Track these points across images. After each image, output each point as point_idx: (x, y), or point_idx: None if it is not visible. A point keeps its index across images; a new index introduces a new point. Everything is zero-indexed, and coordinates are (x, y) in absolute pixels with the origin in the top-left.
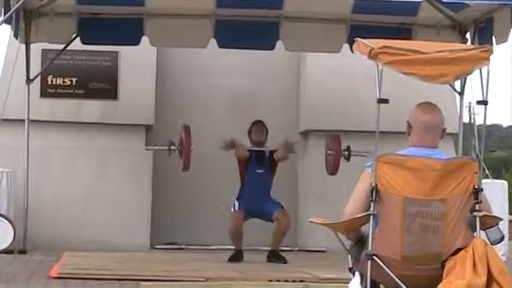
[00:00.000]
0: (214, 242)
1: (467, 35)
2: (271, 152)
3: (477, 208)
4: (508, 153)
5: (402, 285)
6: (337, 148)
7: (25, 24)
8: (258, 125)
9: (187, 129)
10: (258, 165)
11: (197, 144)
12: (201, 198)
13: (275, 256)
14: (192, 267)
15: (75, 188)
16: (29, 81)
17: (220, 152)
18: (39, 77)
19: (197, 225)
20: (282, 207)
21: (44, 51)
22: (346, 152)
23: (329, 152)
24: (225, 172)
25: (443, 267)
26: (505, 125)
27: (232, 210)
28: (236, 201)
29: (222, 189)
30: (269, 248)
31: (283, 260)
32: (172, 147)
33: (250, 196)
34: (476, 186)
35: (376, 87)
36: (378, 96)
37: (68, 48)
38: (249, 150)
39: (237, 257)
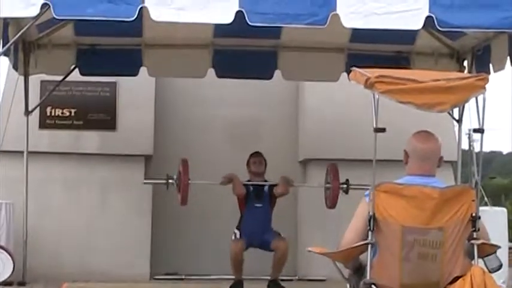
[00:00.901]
0: (214, 272)
1: (465, 63)
2: (271, 187)
3: (475, 236)
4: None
5: None
6: (336, 182)
7: (24, 56)
8: (257, 157)
9: (185, 163)
10: (257, 199)
11: (197, 174)
12: (201, 229)
13: (275, 285)
14: None
15: (75, 218)
16: (27, 112)
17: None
18: (38, 108)
19: (197, 256)
20: (279, 235)
21: (43, 83)
22: (345, 186)
23: (327, 185)
24: (225, 203)
25: None
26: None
27: (233, 238)
28: (237, 230)
29: (222, 220)
30: (269, 277)
31: None
32: (170, 180)
33: (250, 229)
34: (473, 214)
35: (373, 117)
36: (374, 126)
37: (67, 79)
38: (247, 185)
39: (237, 286)
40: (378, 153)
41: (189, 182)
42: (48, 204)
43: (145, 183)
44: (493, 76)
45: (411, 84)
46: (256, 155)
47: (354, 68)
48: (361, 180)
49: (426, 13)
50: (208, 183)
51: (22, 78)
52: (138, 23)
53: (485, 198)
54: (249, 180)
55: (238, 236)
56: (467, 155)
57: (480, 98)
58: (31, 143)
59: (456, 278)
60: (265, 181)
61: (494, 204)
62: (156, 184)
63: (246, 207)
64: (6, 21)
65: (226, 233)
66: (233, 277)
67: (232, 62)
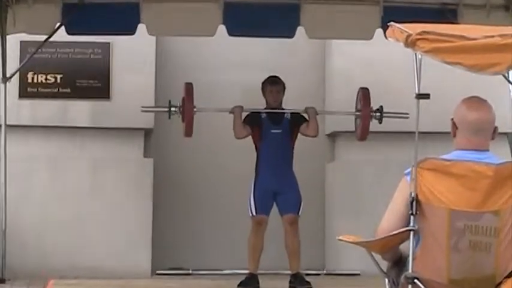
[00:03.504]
0: (225, 266)
1: None
2: (293, 116)
3: None
4: None
5: None
6: (366, 109)
7: (0, 13)
8: (274, 85)
9: (189, 87)
10: (274, 124)
11: (205, 150)
12: (211, 215)
13: (298, 281)
14: None
15: (63, 205)
16: (5, 79)
17: (231, 160)
18: (18, 74)
19: (206, 247)
20: (298, 213)
21: (23, 44)
22: (378, 113)
23: (357, 113)
24: (238, 183)
25: None
26: None
27: (249, 214)
28: (252, 198)
29: (234, 203)
30: (290, 272)
31: (308, 286)
32: (172, 108)
33: (268, 167)
34: None
35: (415, 81)
36: (417, 91)
37: (51, 39)
38: (259, 112)
39: (250, 282)
40: (421, 124)
41: (195, 110)
42: (31, 188)
43: (143, 111)
44: None
45: (460, 42)
46: (274, 82)
47: (391, 24)
48: (401, 157)
49: None
50: (216, 111)
51: None
52: None
53: None
54: (265, 108)
55: (254, 209)
56: None
57: None
58: (10, 115)
59: None
60: (283, 109)
61: None
62: (156, 112)
63: (261, 137)
64: None
65: (240, 221)
66: (247, 271)
67: (246, 18)
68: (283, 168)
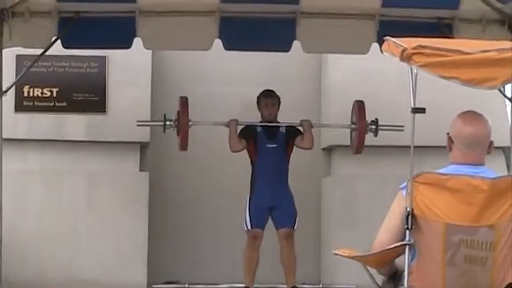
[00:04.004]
0: (222, 280)
1: None
2: (288, 130)
3: None
4: None
5: None
6: (362, 122)
7: None
8: (270, 98)
9: (184, 101)
10: (269, 139)
11: (201, 164)
12: (207, 228)
13: None
14: None
15: (59, 218)
16: (1, 92)
17: (226, 173)
18: (14, 87)
19: (202, 260)
20: (293, 227)
21: (19, 58)
22: (373, 126)
23: (353, 126)
24: (234, 197)
25: None
26: None
27: (244, 228)
28: (247, 212)
29: (230, 217)
30: (286, 286)
31: None
32: (167, 122)
33: (264, 181)
34: None
35: (411, 95)
36: (412, 105)
37: (47, 53)
38: (255, 125)
39: None
40: (416, 138)
41: (190, 123)
42: (27, 202)
43: (138, 125)
44: None
45: (455, 56)
46: (269, 95)
47: (387, 38)
48: (397, 172)
49: None
50: (212, 124)
51: None
52: None
53: None
54: (260, 122)
55: (249, 223)
56: None
57: None
58: (5, 129)
59: (510, 285)
60: (278, 122)
61: None
62: (151, 126)
63: (256, 152)
64: None
65: (236, 234)
66: (243, 285)
67: (242, 32)
68: (278, 182)
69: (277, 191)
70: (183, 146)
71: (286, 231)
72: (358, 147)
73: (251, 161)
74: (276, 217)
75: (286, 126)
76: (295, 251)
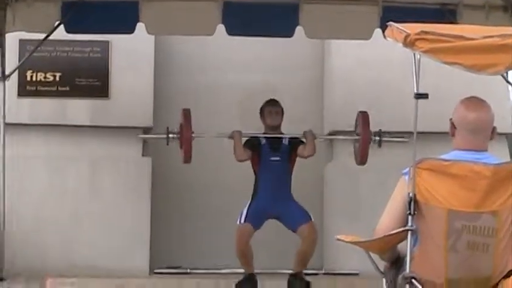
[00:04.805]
0: (224, 265)
1: None
2: (291, 141)
3: None
4: None
5: None
6: (366, 132)
7: None
8: (273, 106)
9: (186, 113)
10: (273, 151)
11: (203, 150)
12: (209, 213)
13: (298, 280)
14: None
15: (62, 203)
16: (4, 77)
17: (231, 160)
18: (17, 72)
19: (204, 246)
20: (310, 219)
21: (22, 42)
22: (377, 137)
23: (357, 137)
24: (237, 183)
25: None
26: None
27: (238, 222)
28: (245, 210)
29: (232, 202)
30: (290, 271)
31: (307, 286)
32: (170, 135)
33: (266, 192)
34: None
35: (414, 80)
36: (415, 91)
37: (50, 38)
38: (259, 137)
39: (247, 282)
40: (419, 124)
41: (193, 135)
42: (29, 187)
43: (141, 137)
44: None
45: (459, 42)
46: (273, 103)
47: (390, 23)
48: (400, 157)
49: None
50: (215, 137)
51: None
52: None
53: None
54: (263, 133)
55: (243, 219)
56: None
57: None
58: (9, 114)
59: (511, 272)
60: (282, 133)
61: None
62: (153, 139)
63: (259, 164)
64: None
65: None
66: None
67: (245, 17)
68: (281, 194)
69: (281, 201)
70: (187, 159)
71: (304, 227)
72: (362, 158)
73: (254, 171)
74: (288, 220)
75: (289, 138)
76: (313, 249)
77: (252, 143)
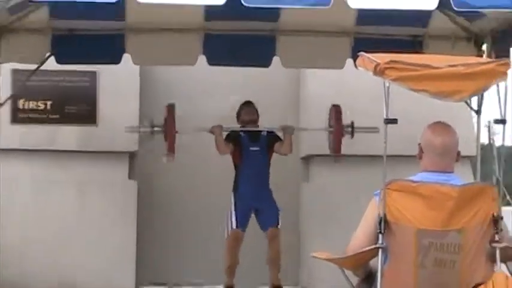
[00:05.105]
0: (206, 281)
1: (484, 47)
2: (269, 134)
3: (497, 239)
4: None
5: None
6: (339, 125)
7: None
8: (248, 107)
9: (170, 109)
10: (252, 142)
11: (185, 172)
12: (191, 233)
13: None
14: None
15: (48, 225)
16: None
17: (215, 178)
18: (10, 101)
19: (187, 263)
20: (277, 224)
21: (15, 72)
22: (350, 128)
23: (330, 129)
24: (215, 205)
25: None
26: None
27: (229, 227)
28: (233, 214)
29: (214, 223)
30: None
31: None
32: (155, 128)
33: (247, 185)
34: (495, 215)
35: (384, 106)
36: (385, 116)
37: (42, 68)
38: (238, 131)
39: None
40: (389, 148)
41: (176, 129)
42: (17, 209)
43: (127, 131)
44: None
45: (425, 70)
46: (248, 104)
47: (361, 54)
48: (372, 179)
49: None
50: (197, 131)
51: None
52: (120, 5)
53: (508, 197)
54: (241, 126)
55: (234, 224)
56: (487, 149)
57: (501, 85)
58: (2, 140)
59: (477, 286)
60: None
61: None
62: (140, 133)
63: (240, 155)
64: None
65: (218, 238)
66: (225, 285)
67: (225, 48)
68: (261, 184)
69: (260, 193)
70: (171, 150)
71: (273, 231)
72: (336, 147)
73: (235, 165)
74: (261, 220)
75: (267, 132)
76: (280, 251)
77: (232, 136)
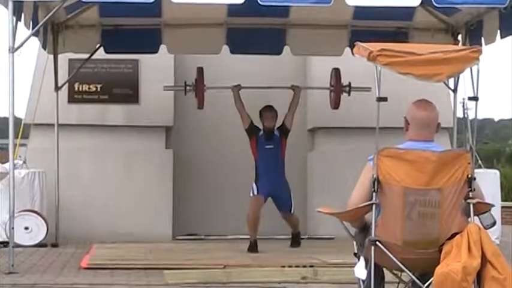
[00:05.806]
0: (230, 233)
1: (459, 37)
2: (280, 130)
3: (471, 196)
4: (500, 145)
5: (404, 268)
6: (338, 85)
7: (53, 36)
8: (269, 112)
9: (200, 70)
10: (267, 140)
11: (212, 141)
12: (219, 194)
13: (293, 239)
14: (211, 256)
15: (103, 185)
16: (57, 88)
17: (237, 147)
18: (67, 84)
19: (215, 218)
20: (289, 210)
21: (71, 61)
22: (347, 87)
23: (331, 88)
24: (240, 170)
25: (440, 250)
26: (496, 119)
27: (251, 194)
28: (255, 185)
29: (237, 186)
30: (282, 237)
31: (296, 245)
32: (188, 87)
33: (265, 175)
34: (469, 176)
35: (376, 87)
36: (377, 95)
37: (93, 57)
38: (258, 129)
39: (253, 247)
40: (380, 121)
41: (205, 88)
42: (77, 173)
43: (165, 89)
44: (484, 49)
45: (410, 57)
46: (269, 110)
47: (357, 43)
48: (366, 147)
49: None
50: (221, 88)
51: (51, 57)
52: (157, 4)
53: (479, 162)
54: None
55: (256, 191)
56: (462, 122)
57: (474, 68)
58: (61, 117)
59: (454, 235)
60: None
61: (487, 167)
62: (176, 90)
63: (258, 150)
64: (36, 4)
65: (241, 198)
66: (248, 237)
67: (244, 39)
68: (277, 176)
69: (277, 183)
70: (201, 105)
71: (285, 214)
72: (335, 103)
73: (254, 159)
74: (277, 204)
75: (277, 128)
76: (296, 221)
77: (253, 128)
